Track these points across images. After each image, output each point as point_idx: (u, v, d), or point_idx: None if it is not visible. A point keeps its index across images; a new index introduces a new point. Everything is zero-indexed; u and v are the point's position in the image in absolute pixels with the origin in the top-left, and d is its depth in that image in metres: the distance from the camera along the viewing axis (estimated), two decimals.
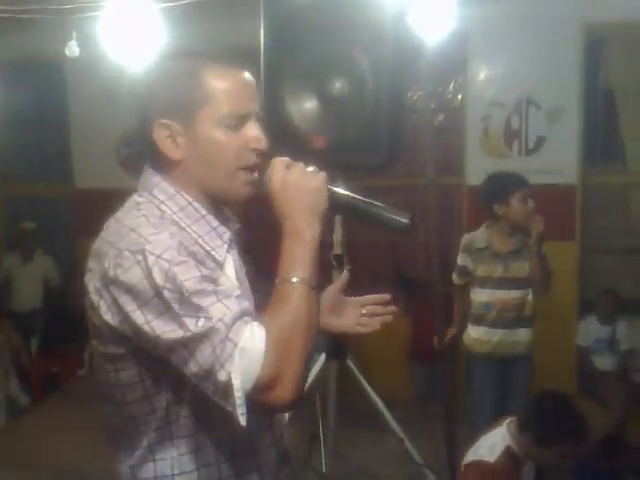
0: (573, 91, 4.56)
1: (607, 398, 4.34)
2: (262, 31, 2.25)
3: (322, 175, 1.28)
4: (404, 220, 1.31)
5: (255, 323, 1.14)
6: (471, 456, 2.48)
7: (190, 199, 1.28)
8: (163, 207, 1.26)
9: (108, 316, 1.18)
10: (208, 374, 1.11)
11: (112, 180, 5.53)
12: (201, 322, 1.10)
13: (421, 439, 3.33)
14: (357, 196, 1.33)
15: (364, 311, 1.62)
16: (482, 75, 4.73)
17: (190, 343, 1.11)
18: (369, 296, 1.63)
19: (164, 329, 1.11)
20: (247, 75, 1.29)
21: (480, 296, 3.53)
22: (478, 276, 3.53)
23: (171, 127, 1.24)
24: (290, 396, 1.14)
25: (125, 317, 1.15)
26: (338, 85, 2.22)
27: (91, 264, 1.22)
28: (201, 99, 1.23)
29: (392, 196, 4.85)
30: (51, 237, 5.87)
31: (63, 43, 4.08)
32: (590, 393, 4.49)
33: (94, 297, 1.19)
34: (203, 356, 1.10)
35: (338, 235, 2.66)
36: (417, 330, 4.91)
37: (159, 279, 1.11)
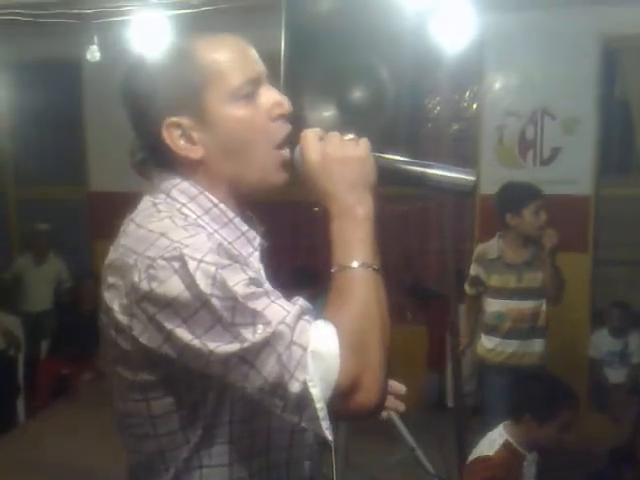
0: (589, 102, 4.54)
1: (618, 411, 4.32)
2: (283, 39, 2.25)
3: (364, 142, 1.10)
4: (469, 178, 1.13)
5: (320, 321, 0.98)
6: (472, 457, 2.56)
7: (215, 200, 1.09)
8: (185, 210, 1.07)
9: (144, 338, 0.98)
10: (276, 387, 0.94)
11: (127, 183, 5.55)
12: (259, 328, 0.94)
13: (431, 448, 3.32)
14: (406, 160, 1.15)
15: None
16: (498, 84, 4.73)
17: (250, 354, 0.94)
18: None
19: (218, 343, 0.94)
20: (240, 39, 1.12)
21: (493, 306, 3.52)
22: (491, 286, 3.52)
23: (182, 123, 1.06)
24: (375, 399, 0.99)
25: (167, 336, 0.96)
26: (357, 94, 2.22)
27: (112, 279, 1.02)
28: (202, 79, 1.05)
29: (405, 204, 4.86)
30: (64, 239, 5.89)
31: (81, 47, 4.11)
32: (601, 406, 4.47)
33: (122, 317, 0.99)
34: (267, 367, 0.93)
35: None
36: (432, 339, 4.90)
37: (205, 286, 0.93)
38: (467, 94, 4.97)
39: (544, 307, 3.48)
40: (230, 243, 1.08)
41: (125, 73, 1.12)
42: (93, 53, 3.91)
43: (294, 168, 1.12)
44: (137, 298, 0.97)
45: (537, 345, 3.48)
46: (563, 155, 4.62)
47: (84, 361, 5.29)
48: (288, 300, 1.01)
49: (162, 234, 0.99)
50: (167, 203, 1.07)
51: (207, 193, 1.09)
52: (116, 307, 1.00)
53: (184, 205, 1.07)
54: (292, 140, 1.12)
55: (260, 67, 1.10)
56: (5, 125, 5.99)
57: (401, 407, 1.40)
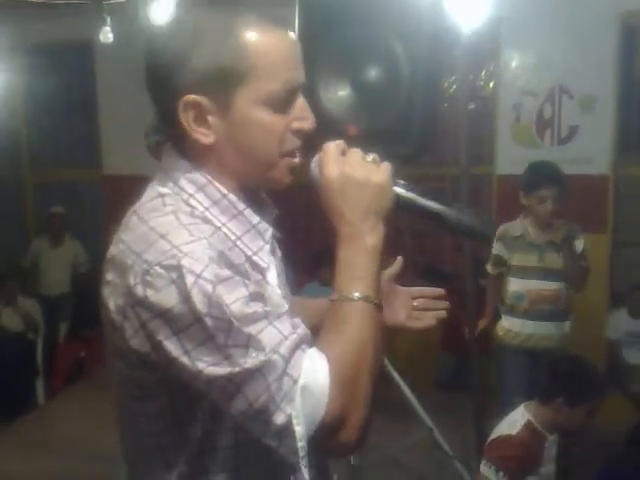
0: (607, 80, 4.46)
1: (635, 391, 4.29)
2: (297, 17, 2.23)
3: (386, 167, 1.05)
4: (486, 227, 1.11)
5: (314, 351, 0.96)
6: (493, 435, 2.56)
7: (224, 191, 1.04)
8: (192, 201, 1.02)
9: (135, 341, 0.95)
10: (259, 414, 0.92)
11: (140, 166, 5.54)
12: (253, 354, 0.91)
13: (449, 429, 3.32)
14: (425, 194, 1.09)
15: (415, 303, 1.42)
16: (514, 63, 4.65)
17: (238, 378, 0.91)
18: (422, 288, 1.43)
19: (207, 362, 0.91)
20: (292, 36, 1.03)
21: (513, 285, 3.51)
22: (513, 265, 3.51)
23: (201, 104, 0.98)
24: (356, 439, 0.97)
25: (157, 345, 0.93)
26: (373, 73, 2.19)
27: (110, 275, 0.99)
28: (242, 69, 0.97)
29: (421, 185, 4.83)
30: (79, 222, 5.92)
31: (93, 29, 4.09)
32: (619, 386, 4.44)
33: (116, 317, 0.96)
34: (255, 393, 0.91)
35: None
36: (447, 321, 4.87)
37: (200, 304, 0.89)
38: (483, 73, 4.90)
39: (565, 290, 3.45)
40: (239, 237, 1.04)
41: (154, 32, 1.03)
42: (106, 34, 3.88)
43: (309, 177, 1.08)
44: (131, 302, 0.94)
45: (556, 328, 3.46)
46: (581, 134, 4.55)
47: (102, 343, 5.32)
48: (290, 316, 0.99)
49: (162, 236, 0.94)
50: (175, 193, 1.02)
51: (216, 183, 1.04)
52: (111, 306, 0.97)
53: (192, 196, 1.02)
54: (309, 146, 1.08)
55: (301, 76, 1.04)
56: (19, 109, 6.00)
57: (443, 313, 1.43)
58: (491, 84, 4.89)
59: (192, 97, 0.98)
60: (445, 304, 1.42)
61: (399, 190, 1.07)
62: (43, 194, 6.19)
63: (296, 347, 0.94)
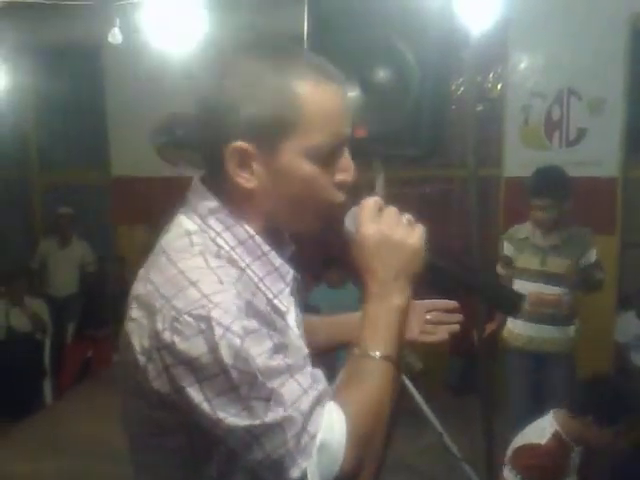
0: (616, 81, 4.45)
1: None
2: (306, 19, 2.23)
3: (420, 230, 1.07)
4: (514, 305, 1.12)
5: (333, 406, 0.97)
6: (520, 441, 2.51)
7: (252, 232, 1.04)
8: (219, 240, 1.02)
9: (157, 383, 0.96)
10: (275, 465, 0.93)
11: (148, 168, 5.59)
12: (273, 408, 0.92)
13: (458, 431, 3.31)
14: (453, 264, 1.11)
15: (428, 316, 1.41)
16: (523, 64, 4.64)
17: (257, 430, 0.92)
18: (435, 301, 1.41)
19: (228, 412, 0.92)
20: (345, 89, 1.03)
21: (516, 287, 3.45)
22: (517, 267, 3.50)
23: (247, 151, 0.98)
24: None
25: (179, 390, 0.93)
26: (381, 75, 2.19)
27: (135, 312, 0.99)
28: (292, 120, 0.97)
29: (429, 187, 4.83)
30: (87, 223, 5.94)
31: (102, 30, 4.11)
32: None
33: (140, 357, 0.97)
34: (272, 446, 0.92)
35: None
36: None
37: (227, 357, 0.90)
38: (491, 75, 4.90)
39: (568, 295, 3.43)
40: (261, 279, 1.04)
41: (206, 79, 1.03)
42: (115, 36, 3.89)
43: (342, 231, 1.09)
44: (157, 345, 0.94)
45: (559, 332, 3.44)
46: (590, 136, 4.54)
47: (109, 343, 5.35)
48: (309, 364, 1.00)
49: (192, 283, 0.95)
50: (202, 231, 1.03)
51: (244, 223, 1.04)
52: (136, 345, 0.98)
53: (219, 235, 1.03)
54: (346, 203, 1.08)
55: (348, 130, 1.04)
56: (28, 110, 6.02)
57: (456, 327, 1.40)
58: (499, 86, 4.89)
59: (239, 144, 0.98)
60: (458, 317, 1.41)
61: (431, 258, 1.09)
62: (51, 195, 6.21)
63: (316, 403, 0.95)
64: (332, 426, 0.95)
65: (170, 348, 0.93)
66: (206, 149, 1.05)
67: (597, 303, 4.26)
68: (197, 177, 1.08)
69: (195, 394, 0.92)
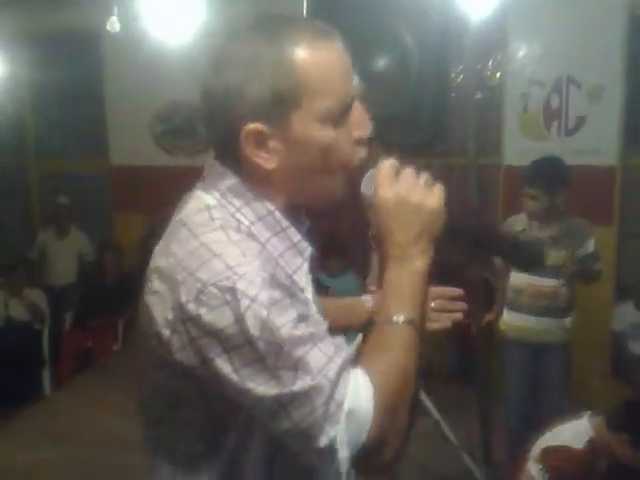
0: (615, 69, 4.43)
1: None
2: (305, 6, 2.22)
3: (439, 190, 1.05)
4: (533, 260, 1.13)
5: (359, 374, 0.96)
6: (551, 440, 2.48)
7: (271, 208, 1.03)
8: (238, 216, 1.01)
9: (182, 355, 0.95)
10: (302, 434, 0.93)
11: (146, 157, 5.58)
12: (300, 377, 0.91)
13: (455, 421, 3.33)
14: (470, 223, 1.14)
15: (432, 304, 1.39)
16: (521, 52, 4.62)
17: (285, 399, 0.91)
18: (441, 289, 1.39)
19: (256, 382, 0.92)
20: (340, 42, 1.01)
21: (514, 280, 3.49)
22: None
23: (261, 131, 0.98)
24: (392, 460, 0.98)
25: (205, 361, 0.93)
26: (382, 62, 2.18)
27: (157, 285, 0.98)
28: (295, 90, 0.96)
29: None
30: (86, 213, 5.93)
31: (100, 19, 4.09)
32: (624, 378, 4.44)
33: (163, 330, 0.96)
34: (300, 415, 0.92)
35: None
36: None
37: (253, 329, 0.90)
38: (491, 62, 4.87)
39: (566, 287, 3.41)
40: (280, 255, 1.03)
41: (211, 62, 1.01)
42: (113, 24, 3.87)
43: (359, 194, 1.08)
44: (183, 317, 0.94)
45: (555, 324, 3.43)
46: (588, 125, 4.53)
47: (108, 333, 5.35)
48: (331, 335, 0.99)
49: (216, 255, 0.94)
50: (221, 206, 1.02)
51: (263, 198, 1.03)
52: (159, 317, 0.97)
53: (238, 210, 1.02)
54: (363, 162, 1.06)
55: (354, 85, 1.03)
56: (25, 99, 6.00)
57: (459, 315, 1.40)
58: (498, 74, 4.87)
59: (252, 126, 0.97)
60: (462, 305, 1.40)
61: (449, 219, 1.07)
62: (49, 184, 6.20)
63: (342, 370, 0.95)
64: (359, 393, 0.94)
65: (196, 320, 0.92)
66: (218, 137, 1.04)
67: (595, 294, 4.27)
68: (211, 157, 1.07)
69: (223, 365, 0.92)
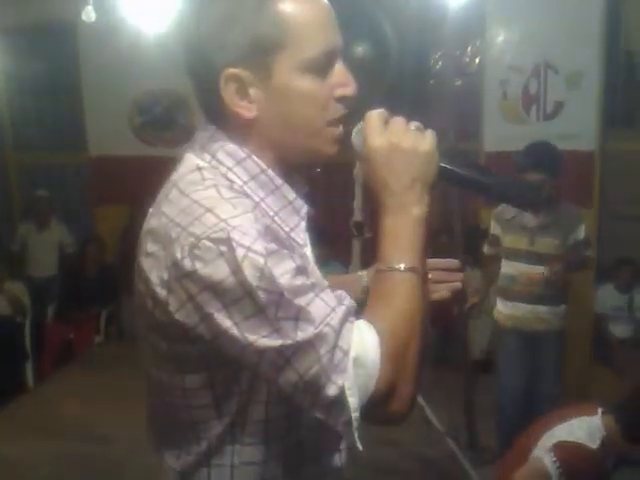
0: (593, 54, 4.46)
1: (622, 365, 4.34)
2: None
3: (431, 135, 1.02)
4: (530, 198, 1.09)
5: (362, 323, 0.94)
6: (565, 435, 2.47)
7: (263, 165, 1.01)
8: (230, 175, 1.00)
9: (181, 314, 0.93)
10: (310, 386, 0.91)
11: (126, 147, 5.53)
12: (302, 327, 0.89)
13: (437, 406, 3.35)
14: (469, 162, 1.07)
15: (430, 275, 1.31)
16: (500, 38, 4.63)
17: (289, 351, 0.90)
18: (436, 260, 1.35)
19: (258, 334, 0.90)
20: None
21: (505, 268, 3.49)
22: (505, 247, 3.48)
23: (242, 77, 0.96)
24: (406, 409, 0.97)
25: (205, 317, 0.91)
26: (360, 50, 2.18)
27: (151, 247, 0.96)
28: (277, 38, 0.95)
29: None
30: (65, 205, 5.89)
31: (76, 8, 4.04)
32: (606, 361, 4.49)
33: (160, 290, 0.94)
34: (305, 366, 0.90)
35: (358, 201, 2.64)
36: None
37: (251, 278, 0.88)
38: (469, 49, 4.88)
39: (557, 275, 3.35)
40: (276, 213, 1.02)
41: (190, 8, 1.00)
42: (89, 13, 3.82)
43: (352, 147, 1.05)
44: (178, 275, 0.92)
45: (547, 311, 3.43)
46: (567, 109, 4.56)
47: (90, 325, 5.33)
48: (332, 290, 0.96)
49: (208, 209, 0.92)
50: (212, 167, 1.00)
51: (255, 157, 1.01)
52: (154, 278, 0.95)
53: (230, 169, 1.00)
54: (352, 117, 1.04)
55: (338, 39, 1.01)
56: (1, 91, 5.93)
57: (458, 285, 1.34)
58: (477, 60, 4.88)
59: (232, 71, 0.96)
60: (460, 276, 1.36)
61: (444, 159, 1.04)
62: (28, 178, 6.14)
63: (345, 319, 0.93)
64: (364, 342, 0.92)
65: (192, 276, 0.90)
66: (200, 87, 1.02)
67: (575, 275, 4.31)
68: (205, 120, 1.06)
69: (223, 319, 0.90)
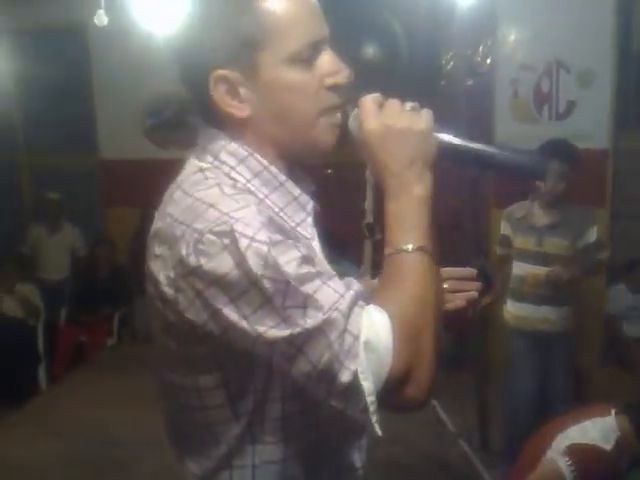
0: (605, 53, 4.43)
1: (635, 365, 4.31)
2: None
3: (427, 113, 1.02)
4: (536, 168, 1.05)
5: (372, 307, 0.93)
6: (579, 439, 2.46)
7: (265, 162, 1.02)
8: (234, 174, 1.00)
9: (190, 313, 0.93)
10: (324, 374, 0.90)
11: (137, 150, 5.55)
12: (311, 313, 0.89)
13: (450, 410, 3.33)
14: (467, 140, 1.05)
15: (446, 285, 1.32)
16: (511, 38, 4.61)
17: (299, 339, 0.89)
18: (453, 269, 1.34)
19: (267, 325, 0.89)
20: None
21: (516, 269, 3.47)
22: (515, 247, 3.46)
23: (230, 78, 0.98)
24: (424, 394, 0.95)
25: (214, 313, 0.91)
26: (371, 50, 2.17)
27: (158, 249, 0.97)
28: (260, 36, 0.96)
29: None
30: (76, 207, 5.90)
31: (88, 11, 4.05)
32: (618, 360, 4.46)
33: (168, 290, 0.95)
34: (317, 353, 0.89)
35: (370, 203, 2.63)
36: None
37: (256, 267, 0.88)
38: (481, 48, 4.86)
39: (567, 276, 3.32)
40: (281, 209, 1.02)
41: (174, 16, 1.02)
42: (100, 17, 3.83)
43: (348, 135, 1.05)
44: (184, 272, 0.92)
45: (555, 312, 3.40)
46: (579, 109, 4.53)
47: (102, 327, 5.34)
48: (340, 279, 0.96)
49: (211, 205, 0.93)
50: (215, 167, 1.01)
51: (257, 155, 1.02)
52: (162, 279, 0.96)
53: (233, 169, 1.01)
54: (348, 105, 1.03)
55: (322, 28, 1.01)
56: (14, 94, 5.96)
57: (474, 294, 1.32)
58: (488, 60, 4.85)
59: (220, 72, 0.98)
60: (476, 285, 1.33)
61: (442, 136, 1.03)
62: (40, 180, 6.16)
63: (353, 304, 0.92)
64: (375, 326, 0.91)
65: (198, 272, 0.90)
66: (192, 89, 1.04)
67: (590, 278, 4.28)
68: (203, 121, 1.07)
69: (231, 314, 0.90)
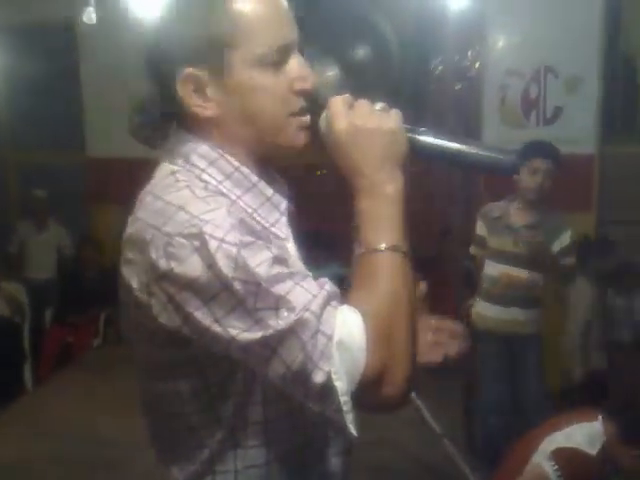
0: (592, 59, 4.46)
1: (622, 368, 4.34)
2: None
3: (396, 113, 1.02)
4: (507, 164, 1.04)
5: (345, 307, 0.93)
6: (563, 441, 2.47)
7: (236, 163, 1.02)
8: (205, 176, 1.00)
9: (163, 317, 0.93)
10: (298, 375, 0.89)
11: (124, 148, 5.51)
12: (284, 314, 0.88)
13: (437, 413, 3.33)
14: (440, 136, 1.05)
15: (429, 336, 1.26)
16: (500, 43, 4.63)
17: (272, 341, 0.89)
18: (442, 322, 1.29)
19: (239, 328, 0.89)
20: None
21: (488, 269, 3.41)
22: (490, 248, 3.41)
23: (198, 77, 0.98)
24: (401, 393, 0.94)
25: (187, 317, 0.91)
26: (361, 52, 2.18)
27: (130, 254, 0.96)
28: (228, 36, 0.96)
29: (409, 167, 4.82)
30: (63, 205, 5.87)
31: (76, 8, 4.04)
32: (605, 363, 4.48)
33: (141, 295, 0.94)
34: (291, 355, 0.89)
35: None
36: (431, 303, 4.88)
37: (226, 268, 0.87)
38: (469, 53, 4.88)
39: (540, 278, 3.34)
40: (255, 210, 1.02)
41: (145, 13, 1.03)
42: (89, 15, 3.82)
43: (318, 135, 1.05)
44: (155, 277, 0.91)
45: (525, 314, 3.37)
46: (566, 114, 4.55)
47: (89, 328, 5.31)
48: (314, 279, 0.95)
49: (180, 207, 0.92)
50: (186, 170, 1.01)
51: (227, 156, 1.02)
52: (135, 284, 0.95)
53: (204, 171, 1.01)
54: (317, 106, 1.04)
55: (292, 33, 1.02)
56: (1, 91, 5.92)
57: (454, 349, 1.28)
58: (477, 64, 4.87)
59: (188, 71, 0.98)
60: (460, 346, 1.29)
61: (413, 135, 1.04)
62: (26, 177, 6.12)
63: (326, 304, 0.91)
64: (348, 325, 0.91)
65: (169, 276, 0.90)
66: (160, 87, 1.04)
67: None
68: (174, 123, 1.07)
69: (203, 317, 0.90)
